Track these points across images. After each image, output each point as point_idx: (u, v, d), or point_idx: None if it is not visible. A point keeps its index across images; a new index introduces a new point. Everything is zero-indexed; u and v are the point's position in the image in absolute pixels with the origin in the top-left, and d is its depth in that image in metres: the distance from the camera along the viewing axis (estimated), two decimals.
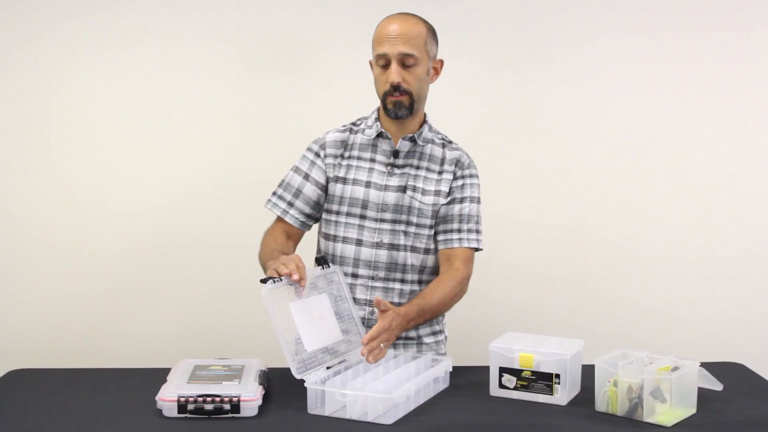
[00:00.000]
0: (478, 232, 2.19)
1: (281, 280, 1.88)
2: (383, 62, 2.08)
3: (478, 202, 2.20)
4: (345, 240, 2.17)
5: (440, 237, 2.18)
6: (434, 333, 2.25)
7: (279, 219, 2.23)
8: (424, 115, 2.21)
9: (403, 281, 2.17)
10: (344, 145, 2.20)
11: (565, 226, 3.03)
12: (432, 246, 2.18)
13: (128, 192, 2.94)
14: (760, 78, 3.01)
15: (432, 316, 2.11)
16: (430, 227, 2.17)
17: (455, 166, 2.19)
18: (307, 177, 2.20)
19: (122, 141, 2.93)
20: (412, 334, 2.20)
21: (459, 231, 2.17)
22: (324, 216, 2.22)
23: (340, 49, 2.94)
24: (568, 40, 3.00)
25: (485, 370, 1.94)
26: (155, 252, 2.96)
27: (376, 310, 2.14)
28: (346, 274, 2.16)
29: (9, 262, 2.92)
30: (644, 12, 2.99)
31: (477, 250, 2.20)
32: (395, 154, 2.17)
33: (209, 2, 2.91)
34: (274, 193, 2.23)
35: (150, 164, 2.94)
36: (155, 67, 2.91)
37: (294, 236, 2.23)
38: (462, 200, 2.18)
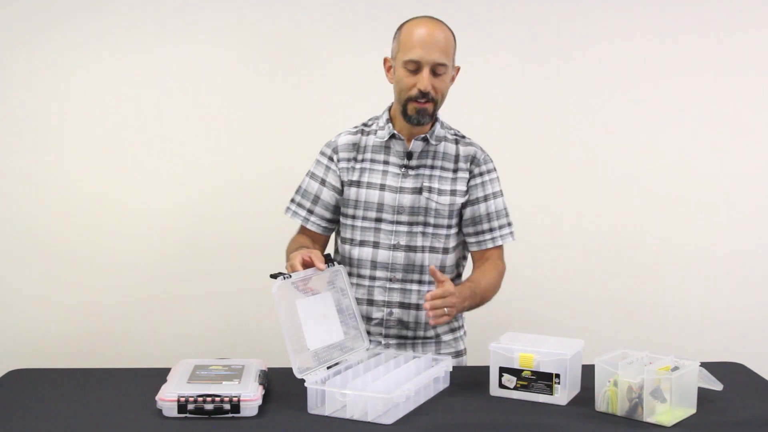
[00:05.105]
0: (509, 225, 2.20)
1: (290, 276, 1.88)
2: (413, 67, 2.04)
3: (501, 195, 2.20)
4: (362, 243, 2.16)
5: (472, 239, 2.18)
6: (452, 330, 2.25)
7: (302, 227, 2.24)
8: None
9: (420, 282, 2.16)
10: (356, 147, 2.19)
11: (565, 226, 3.03)
12: (450, 245, 2.18)
13: (128, 194, 2.94)
14: None
15: (480, 301, 2.10)
16: (448, 227, 2.16)
17: (471, 163, 2.18)
18: (323, 182, 2.20)
19: (126, 143, 2.93)
20: (431, 333, 2.20)
21: (491, 230, 2.17)
22: (340, 220, 2.21)
23: (352, 50, 2.93)
24: (580, 41, 3.00)
25: (485, 370, 1.94)
26: (155, 253, 2.96)
27: (394, 311, 2.15)
28: (363, 277, 2.16)
29: (9, 263, 2.92)
30: (660, 13, 2.99)
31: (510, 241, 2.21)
32: (409, 155, 2.16)
33: (222, 4, 2.91)
34: (293, 201, 2.23)
35: (151, 166, 2.94)
36: (168, 69, 2.92)
37: (319, 241, 2.23)
38: (486, 198, 2.17)
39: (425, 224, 2.14)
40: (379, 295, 2.16)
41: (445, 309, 1.89)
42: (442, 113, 2.24)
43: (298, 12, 2.94)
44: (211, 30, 2.92)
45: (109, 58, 2.89)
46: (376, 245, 2.15)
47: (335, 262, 2.08)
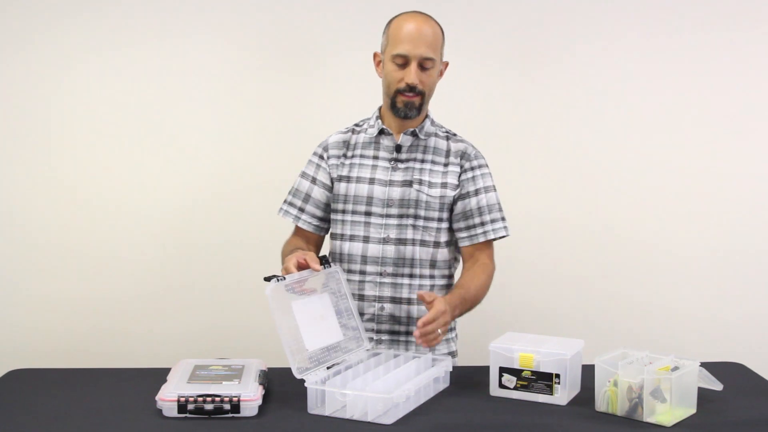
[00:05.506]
0: (502, 219, 2.18)
1: (284, 278, 1.88)
2: (401, 61, 2.07)
3: (494, 190, 2.19)
4: (352, 238, 2.17)
5: (463, 233, 2.17)
6: None
7: (296, 227, 2.25)
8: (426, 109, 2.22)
9: (411, 276, 2.16)
10: (347, 145, 2.21)
11: (565, 226, 3.03)
12: (441, 239, 2.18)
13: (129, 193, 2.94)
14: None
15: (471, 305, 2.09)
16: (438, 220, 2.16)
17: (461, 158, 2.18)
18: (314, 181, 2.21)
19: (125, 143, 2.92)
20: None
21: (482, 224, 2.16)
22: (331, 216, 2.22)
23: (351, 51, 2.93)
24: (576, 40, 3.00)
25: (485, 370, 1.94)
26: (155, 252, 2.96)
27: (385, 306, 2.14)
28: (354, 272, 2.16)
29: (9, 262, 2.91)
30: (658, 11, 2.99)
31: (503, 237, 2.18)
32: (398, 148, 2.17)
33: (219, 5, 2.91)
34: (285, 201, 2.25)
35: (152, 166, 2.94)
36: (167, 69, 2.91)
37: (313, 241, 2.25)
38: (477, 192, 2.17)
39: (415, 217, 2.15)
40: (370, 290, 2.16)
41: (438, 330, 1.88)
42: (438, 112, 2.25)
43: (298, 12, 2.94)
44: (211, 30, 2.92)
45: (110, 57, 2.89)
46: (366, 239, 2.16)
47: (332, 264, 2.08)
